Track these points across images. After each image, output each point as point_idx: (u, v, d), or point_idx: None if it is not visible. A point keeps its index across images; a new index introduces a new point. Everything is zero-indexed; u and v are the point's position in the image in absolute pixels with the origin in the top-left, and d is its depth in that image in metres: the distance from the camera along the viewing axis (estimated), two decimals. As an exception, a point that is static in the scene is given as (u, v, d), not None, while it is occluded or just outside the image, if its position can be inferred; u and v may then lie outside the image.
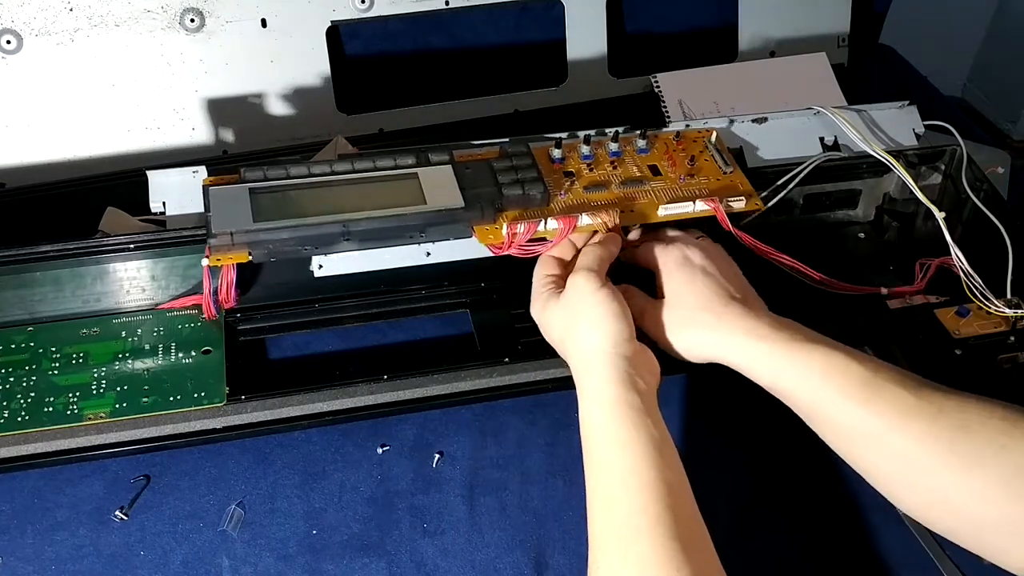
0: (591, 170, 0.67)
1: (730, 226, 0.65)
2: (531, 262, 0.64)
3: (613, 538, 0.48)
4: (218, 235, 0.58)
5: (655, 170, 0.68)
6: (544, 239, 0.63)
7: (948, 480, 0.47)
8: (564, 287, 0.59)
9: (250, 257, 0.59)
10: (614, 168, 0.67)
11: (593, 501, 0.51)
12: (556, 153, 0.67)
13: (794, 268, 0.67)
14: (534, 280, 0.63)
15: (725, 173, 0.68)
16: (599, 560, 0.48)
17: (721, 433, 0.68)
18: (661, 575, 0.45)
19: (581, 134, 0.69)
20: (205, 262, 0.59)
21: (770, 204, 0.69)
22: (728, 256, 0.62)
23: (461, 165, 0.64)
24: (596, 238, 0.63)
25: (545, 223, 0.62)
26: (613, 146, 0.67)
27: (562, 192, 0.64)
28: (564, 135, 0.70)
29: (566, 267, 0.62)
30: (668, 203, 0.65)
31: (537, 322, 0.62)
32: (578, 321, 0.56)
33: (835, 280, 0.68)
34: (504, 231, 0.62)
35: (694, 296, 0.58)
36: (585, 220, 0.63)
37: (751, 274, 0.63)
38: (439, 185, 0.63)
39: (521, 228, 0.62)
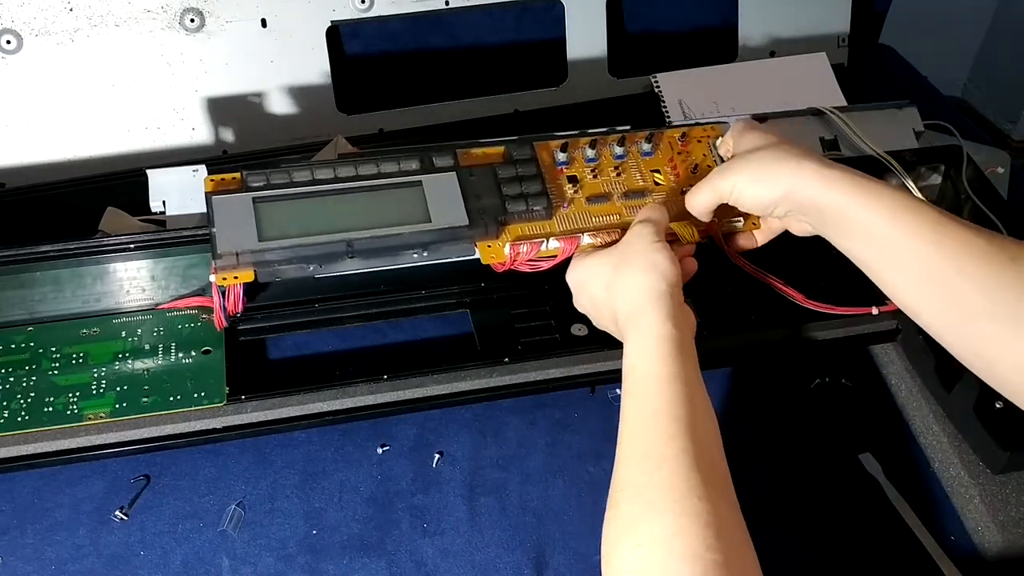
0: (595, 176, 0.66)
1: (727, 248, 0.65)
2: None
3: (639, 462, 0.49)
4: (223, 255, 0.58)
5: (657, 178, 0.67)
6: (547, 257, 0.63)
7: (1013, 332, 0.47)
8: (603, 248, 0.60)
9: (255, 276, 0.59)
10: (618, 174, 0.67)
11: (624, 429, 0.52)
12: (561, 157, 0.66)
13: (785, 292, 0.67)
14: (573, 260, 0.63)
15: None
16: (624, 480, 0.49)
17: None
18: (681, 500, 0.46)
19: (589, 133, 0.69)
20: (213, 278, 0.59)
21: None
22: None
23: (465, 171, 0.64)
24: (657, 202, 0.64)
25: (547, 243, 0.62)
26: (618, 149, 0.67)
27: (565, 204, 0.64)
28: (575, 132, 0.70)
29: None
30: (669, 220, 0.64)
31: (574, 279, 0.61)
32: (630, 265, 0.57)
33: (825, 304, 0.68)
34: (507, 250, 0.62)
35: (770, 149, 0.58)
36: (587, 240, 0.63)
37: (747, 286, 0.63)
38: (443, 198, 0.62)
39: (524, 248, 0.62)
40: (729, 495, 0.49)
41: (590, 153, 0.66)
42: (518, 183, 0.64)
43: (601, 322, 0.60)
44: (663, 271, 0.56)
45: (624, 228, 0.63)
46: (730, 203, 0.60)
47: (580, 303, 0.62)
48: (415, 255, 0.62)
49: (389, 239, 0.61)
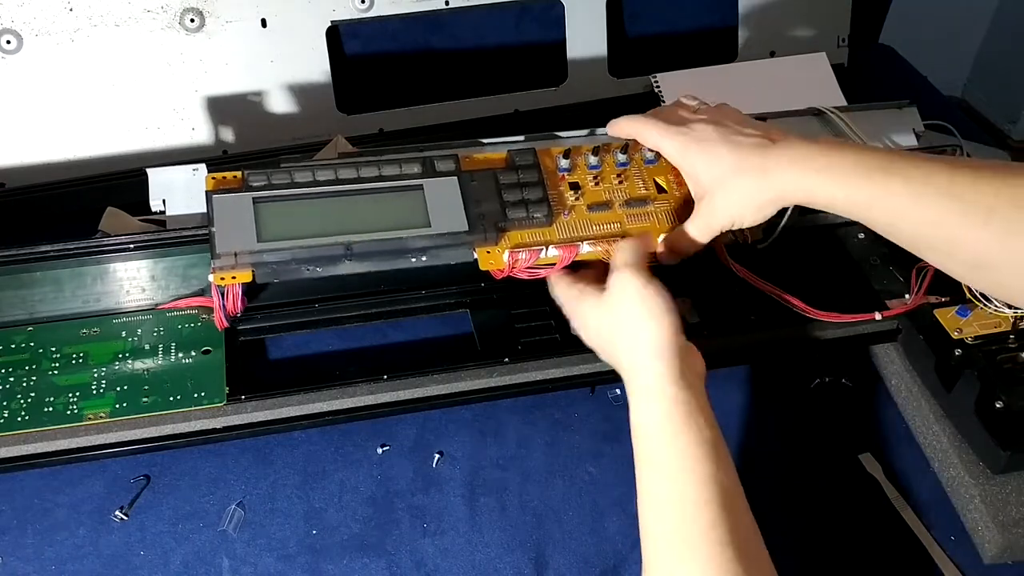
0: (597, 183, 0.66)
1: (727, 259, 0.65)
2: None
3: (666, 542, 0.47)
4: (222, 255, 0.58)
5: (660, 186, 0.67)
6: (546, 265, 0.63)
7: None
8: (592, 292, 0.58)
9: (253, 276, 0.59)
10: (620, 182, 0.66)
11: (645, 502, 0.49)
12: (563, 163, 0.66)
13: (788, 301, 0.67)
14: (560, 297, 0.62)
15: None
16: (652, 564, 0.48)
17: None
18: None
19: (596, 134, 0.68)
20: (211, 278, 0.59)
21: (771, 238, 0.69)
22: (723, 104, 0.60)
23: (467, 175, 0.64)
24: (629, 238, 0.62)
25: (547, 250, 0.62)
26: (621, 157, 0.67)
27: (566, 212, 0.64)
28: (581, 134, 0.69)
29: (583, 276, 0.62)
30: (670, 229, 0.64)
31: (579, 330, 0.60)
32: (628, 319, 0.54)
33: (828, 313, 0.68)
34: (506, 257, 0.62)
35: (723, 157, 0.57)
36: (586, 248, 0.63)
37: (748, 287, 0.63)
38: (444, 202, 0.62)
39: (523, 255, 0.62)
40: (763, 559, 0.47)
41: (593, 160, 0.66)
42: (519, 189, 0.63)
43: (607, 361, 0.58)
44: (660, 326, 0.53)
45: (624, 236, 0.63)
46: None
47: (579, 336, 0.60)
48: (414, 259, 0.62)
49: (388, 243, 0.60)
